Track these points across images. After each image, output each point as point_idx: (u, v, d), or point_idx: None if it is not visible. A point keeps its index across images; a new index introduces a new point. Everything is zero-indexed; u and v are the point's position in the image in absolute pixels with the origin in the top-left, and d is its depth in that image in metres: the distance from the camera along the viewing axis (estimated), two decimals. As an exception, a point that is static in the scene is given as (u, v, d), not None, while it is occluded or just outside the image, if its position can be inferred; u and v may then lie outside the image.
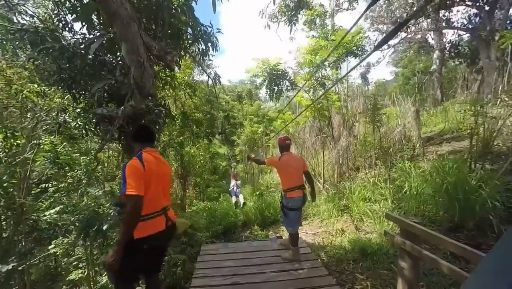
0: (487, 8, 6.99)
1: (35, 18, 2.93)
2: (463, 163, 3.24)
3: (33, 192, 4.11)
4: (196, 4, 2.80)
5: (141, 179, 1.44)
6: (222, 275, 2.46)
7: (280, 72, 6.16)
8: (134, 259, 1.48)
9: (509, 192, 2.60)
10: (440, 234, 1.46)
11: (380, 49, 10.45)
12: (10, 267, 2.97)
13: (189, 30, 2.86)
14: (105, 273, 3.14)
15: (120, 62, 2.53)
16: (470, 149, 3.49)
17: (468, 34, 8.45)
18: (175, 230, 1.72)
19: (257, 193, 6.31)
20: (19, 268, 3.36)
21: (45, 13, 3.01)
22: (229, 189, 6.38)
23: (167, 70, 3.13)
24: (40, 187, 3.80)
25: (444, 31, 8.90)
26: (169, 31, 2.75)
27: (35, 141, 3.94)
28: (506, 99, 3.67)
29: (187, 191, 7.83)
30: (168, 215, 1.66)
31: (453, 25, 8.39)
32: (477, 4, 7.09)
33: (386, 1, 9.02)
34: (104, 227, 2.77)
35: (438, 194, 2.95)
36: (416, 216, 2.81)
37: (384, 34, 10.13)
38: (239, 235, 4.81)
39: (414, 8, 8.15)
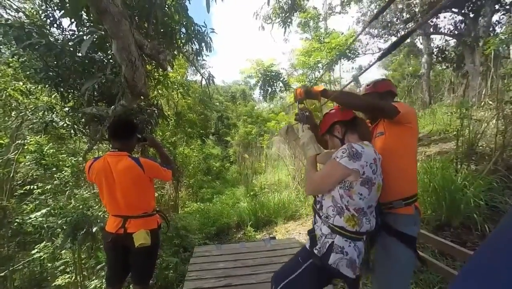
0: (471, 15, 7.30)
1: (21, 13, 2.82)
2: (449, 163, 3.34)
3: (17, 194, 3.95)
4: (190, 3, 2.78)
5: (87, 174, 1.66)
6: (215, 277, 2.44)
7: (273, 73, 6.19)
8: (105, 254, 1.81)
9: (492, 191, 2.71)
10: (428, 233, 1.51)
11: (372, 52, 10.70)
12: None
13: (183, 29, 2.82)
14: (94, 277, 3.05)
15: (111, 60, 2.46)
16: (456, 150, 3.62)
17: (454, 40, 8.80)
18: (131, 241, 1.51)
19: (251, 193, 6.30)
20: (1, 274, 3.21)
21: (31, 8, 2.90)
22: None
23: (160, 69, 3.08)
24: (24, 188, 3.65)
25: (432, 36, 9.23)
26: (161, 30, 2.71)
27: (19, 142, 3.79)
28: (490, 102, 3.84)
29: (180, 192, 7.72)
30: (127, 224, 1.54)
31: (440, 30, 8.72)
32: (463, 11, 7.40)
33: (378, 6, 9.26)
34: (94, 230, 2.70)
35: (426, 193, 3.04)
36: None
37: (375, 38, 10.40)
38: (233, 236, 4.79)
39: (404, 14, 8.41)
